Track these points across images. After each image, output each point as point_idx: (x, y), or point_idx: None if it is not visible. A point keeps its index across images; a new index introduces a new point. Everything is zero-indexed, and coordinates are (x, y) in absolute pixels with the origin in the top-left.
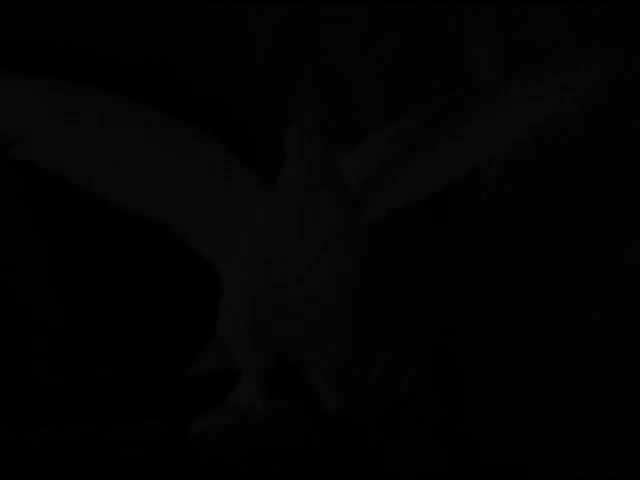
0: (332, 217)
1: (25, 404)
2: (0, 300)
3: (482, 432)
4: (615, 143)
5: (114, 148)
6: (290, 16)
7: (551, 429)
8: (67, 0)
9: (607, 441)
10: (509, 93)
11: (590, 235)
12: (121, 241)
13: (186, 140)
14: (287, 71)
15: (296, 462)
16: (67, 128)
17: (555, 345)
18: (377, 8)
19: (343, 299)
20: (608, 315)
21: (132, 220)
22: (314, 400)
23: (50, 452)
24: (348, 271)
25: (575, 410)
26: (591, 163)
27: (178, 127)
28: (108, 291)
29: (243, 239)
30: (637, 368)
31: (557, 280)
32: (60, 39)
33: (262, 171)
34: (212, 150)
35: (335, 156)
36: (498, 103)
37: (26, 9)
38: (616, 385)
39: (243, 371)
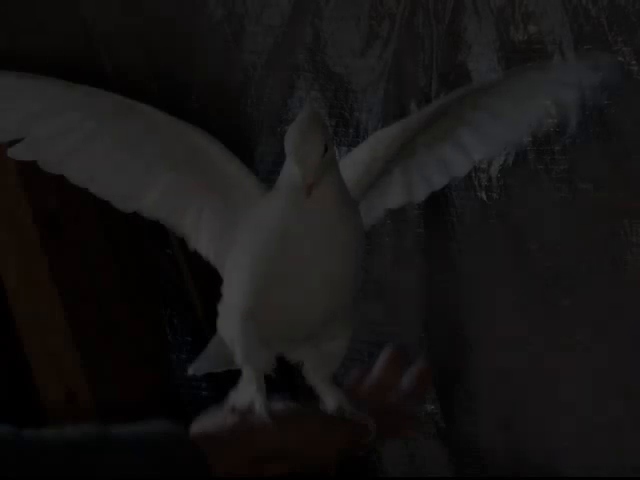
0: (331, 217)
1: (25, 405)
2: (0, 300)
3: (483, 433)
4: (615, 143)
5: (114, 148)
6: (290, 16)
7: (552, 429)
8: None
9: (606, 441)
10: (509, 92)
11: (590, 235)
12: (121, 241)
13: (186, 140)
14: (287, 71)
15: (296, 462)
16: (67, 128)
17: (556, 345)
18: (377, 8)
19: (342, 298)
20: (609, 315)
21: (132, 220)
22: (314, 400)
23: (50, 452)
24: (347, 271)
25: (576, 411)
26: (590, 163)
27: (178, 127)
28: (108, 290)
29: (243, 239)
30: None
31: (557, 278)
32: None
33: (262, 171)
34: (212, 150)
35: (335, 156)
36: (498, 102)
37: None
38: (616, 386)
39: (243, 371)
